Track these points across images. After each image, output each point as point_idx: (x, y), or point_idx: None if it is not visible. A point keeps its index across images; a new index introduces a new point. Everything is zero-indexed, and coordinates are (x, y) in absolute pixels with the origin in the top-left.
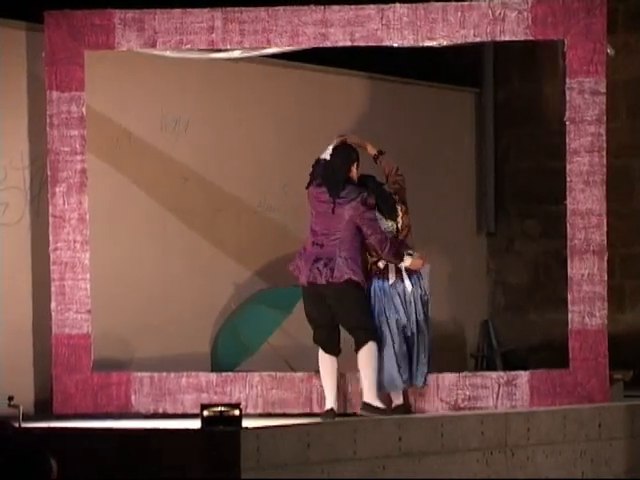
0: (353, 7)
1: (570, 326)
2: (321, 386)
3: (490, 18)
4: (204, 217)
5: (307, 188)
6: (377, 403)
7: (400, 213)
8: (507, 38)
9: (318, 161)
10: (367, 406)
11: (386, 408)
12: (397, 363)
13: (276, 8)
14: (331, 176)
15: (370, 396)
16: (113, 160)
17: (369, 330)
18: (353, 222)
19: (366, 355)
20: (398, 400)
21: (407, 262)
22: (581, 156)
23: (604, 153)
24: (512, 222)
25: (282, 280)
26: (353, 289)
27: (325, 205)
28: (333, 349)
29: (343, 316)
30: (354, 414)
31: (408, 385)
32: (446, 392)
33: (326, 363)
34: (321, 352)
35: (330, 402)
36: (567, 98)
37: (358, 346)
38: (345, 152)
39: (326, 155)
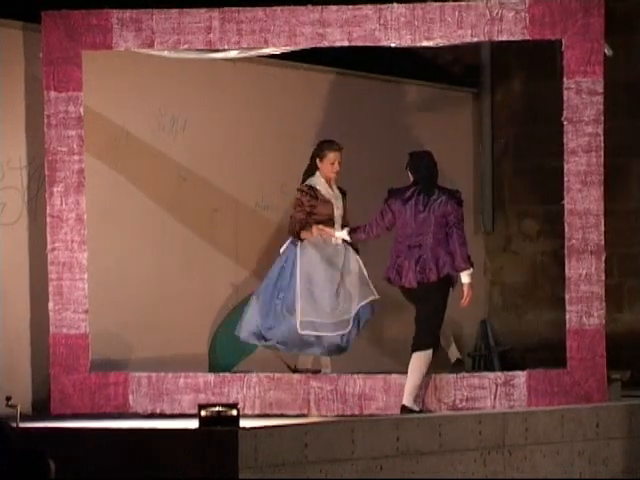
0: (351, 7)
1: (568, 326)
2: (318, 387)
3: (488, 18)
4: (202, 216)
5: (385, 202)
6: (414, 406)
7: None
8: (505, 38)
9: (394, 193)
10: (405, 409)
11: (423, 410)
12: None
13: (274, 8)
14: (426, 177)
15: (409, 400)
16: (111, 160)
17: (435, 335)
18: (445, 218)
19: (420, 360)
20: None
21: (468, 278)
22: (579, 156)
23: (602, 153)
24: (510, 222)
25: None
26: (447, 283)
27: (415, 209)
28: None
29: (428, 310)
30: (351, 414)
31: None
32: (444, 393)
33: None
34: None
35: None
36: (565, 98)
37: (416, 347)
38: (432, 159)
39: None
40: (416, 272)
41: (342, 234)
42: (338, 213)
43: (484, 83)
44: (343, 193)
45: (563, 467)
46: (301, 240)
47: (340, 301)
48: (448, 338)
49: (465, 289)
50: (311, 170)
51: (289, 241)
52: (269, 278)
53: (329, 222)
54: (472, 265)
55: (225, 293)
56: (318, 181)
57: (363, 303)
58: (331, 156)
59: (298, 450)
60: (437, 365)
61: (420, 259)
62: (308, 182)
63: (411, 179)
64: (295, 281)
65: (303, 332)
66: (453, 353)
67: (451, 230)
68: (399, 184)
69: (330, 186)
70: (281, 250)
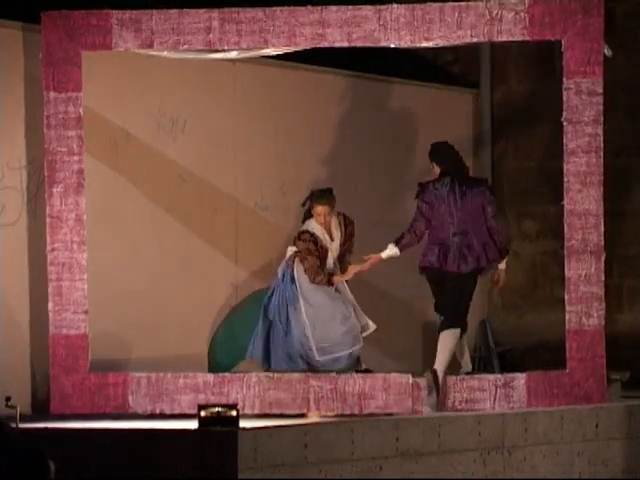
0: (350, 8)
1: (567, 326)
2: (318, 386)
3: (487, 19)
4: (201, 217)
5: (417, 197)
6: (441, 375)
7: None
8: (504, 39)
9: (424, 185)
10: (434, 373)
11: (440, 388)
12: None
13: (273, 8)
14: (459, 168)
15: (440, 370)
16: (110, 161)
17: (464, 317)
18: (483, 207)
19: (449, 338)
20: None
21: (505, 264)
22: (578, 157)
23: (601, 154)
24: (510, 222)
25: None
26: (478, 271)
27: (454, 197)
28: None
29: (460, 294)
30: (351, 414)
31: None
32: (443, 394)
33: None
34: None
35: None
36: (564, 99)
37: (447, 326)
38: (455, 149)
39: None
40: (467, 258)
41: (389, 251)
42: (331, 255)
43: (483, 83)
44: (347, 223)
45: (563, 467)
46: (332, 285)
47: (350, 318)
48: (463, 348)
49: (501, 274)
50: (310, 212)
51: (284, 265)
52: (269, 304)
53: (323, 266)
54: (508, 252)
55: (225, 293)
56: (315, 226)
57: (365, 334)
58: (318, 209)
59: (298, 451)
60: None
61: (467, 246)
62: (306, 227)
63: (437, 170)
64: (300, 310)
65: (321, 359)
66: (466, 363)
67: (491, 220)
68: (399, 184)
69: (328, 230)
70: (278, 273)
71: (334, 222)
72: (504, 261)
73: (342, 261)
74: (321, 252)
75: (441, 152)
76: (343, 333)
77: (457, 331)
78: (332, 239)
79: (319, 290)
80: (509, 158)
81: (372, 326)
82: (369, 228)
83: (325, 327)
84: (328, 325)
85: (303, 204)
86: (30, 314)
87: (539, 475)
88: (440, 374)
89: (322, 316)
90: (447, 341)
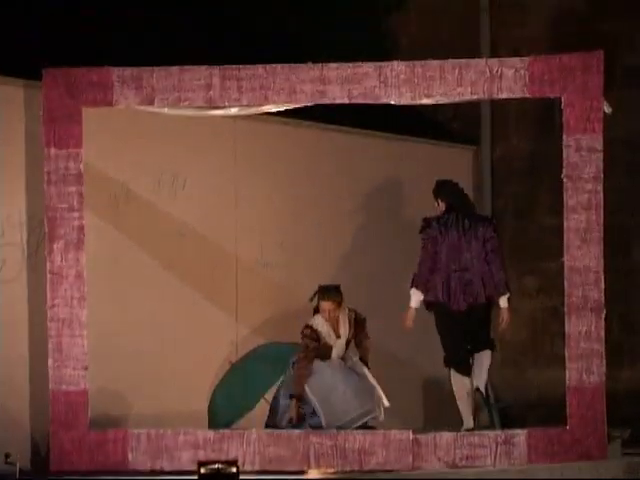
0: (351, 65)
1: (568, 383)
2: (318, 443)
3: (487, 76)
4: (201, 273)
5: (421, 232)
6: (484, 391)
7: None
8: (504, 96)
9: (429, 220)
10: (480, 391)
11: (490, 402)
12: None
13: (274, 65)
14: (464, 204)
15: (482, 385)
16: (111, 217)
17: (491, 337)
18: (484, 243)
19: (484, 356)
20: None
21: (507, 302)
22: (578, 213)
23: (601, 210)
24: (510, 279)
25: (279, 336)
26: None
27: (458, 233)
28: (468, 369)
29: (481, 319)
30: (351, 471)
31: None
32: (444, 451)
33: (461, 383)
34: (455, 374)
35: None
36: (564, 155)
37: (483, 347)
38: (460, 187)
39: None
40: (466, 295)
41: (414, 296)
42: (336, 352)
43: (483, 140)
44: (358, 320)
45: None
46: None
47: (352, 387)
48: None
49: (504, 313)
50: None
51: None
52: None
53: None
54: (509, 290)
55: (225, 350)
56: (320, 322)
57: (371, 416)
58: (323, 305)
59: None
60: (437, 424)
61: (468, 282)
62: (311, 322)
63: (443, 206)
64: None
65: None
66: (468, 419)
67: (492, 255)
68: (399, 239)
69: (334, 326)
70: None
71: (342, 318)
72: (506, 298)
73: (360, 346)
74: (323, 349)
75: (446, 188)
76: (347, 402)
77: (489, 352)
78: (339, 336)
79: (324, 369)
80: (509, 214)
81: (382, 413)
82: (369, 285)
83: (330, 402)
84: (332, 399)
85: (311, 299)
86: (30, 370)
87: None
88: (483, 390)
89: (325, 393)
90: (483, 360)
